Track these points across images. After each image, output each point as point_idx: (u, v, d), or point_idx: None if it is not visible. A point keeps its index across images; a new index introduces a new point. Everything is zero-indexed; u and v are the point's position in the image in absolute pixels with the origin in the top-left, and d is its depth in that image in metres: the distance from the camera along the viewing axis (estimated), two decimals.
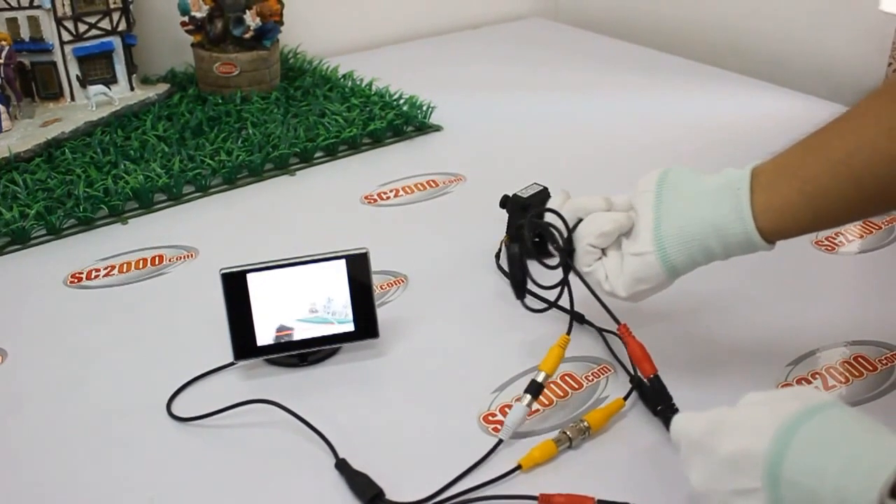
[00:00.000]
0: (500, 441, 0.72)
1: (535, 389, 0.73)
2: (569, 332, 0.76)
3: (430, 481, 0.68)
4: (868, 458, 0.51)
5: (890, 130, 0.65)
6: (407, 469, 0.70)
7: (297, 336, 0.80)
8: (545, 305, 0.85)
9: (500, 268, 0.97)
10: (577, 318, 0.83)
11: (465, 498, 0.67)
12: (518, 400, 0.73)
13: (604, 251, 0.76)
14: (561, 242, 0.76)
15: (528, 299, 0.82)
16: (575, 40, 1.85)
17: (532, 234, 0.79)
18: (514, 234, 0.79)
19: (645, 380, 0.74)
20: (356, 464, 0.69)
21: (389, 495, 0.67)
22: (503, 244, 0.99)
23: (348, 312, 0.81)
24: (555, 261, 0.78)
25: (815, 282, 0.96)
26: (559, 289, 0.78)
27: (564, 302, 0.77)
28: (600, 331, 0.85)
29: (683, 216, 0.71)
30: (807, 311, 0.90)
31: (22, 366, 0.84)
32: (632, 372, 0.78)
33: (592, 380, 0.80)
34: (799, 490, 0.52)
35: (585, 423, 0.72)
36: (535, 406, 0.73)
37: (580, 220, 0.77)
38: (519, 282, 0.80)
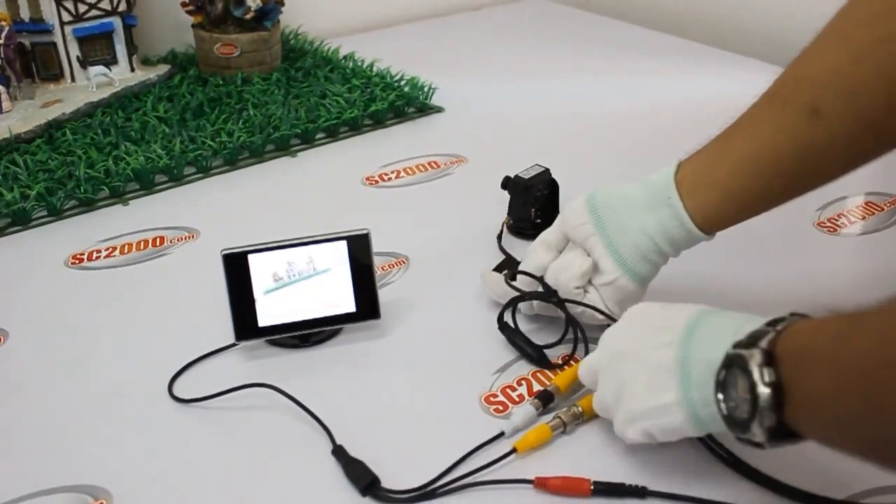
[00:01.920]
0: (502, 433, 0.71)
1: (545, 398, 0.73)
2: (567, 361, 0.80)
3: (429, 465, 0.68)
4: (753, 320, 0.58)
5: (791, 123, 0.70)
6: (406, 452, 0.70)
7: (298, 317, 0.80)
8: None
9: (501, 249, 0.97)
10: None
11: (461, 483, 0.66)
12: (529, 403, 0.73)
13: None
14: (558, 296, 0.80)
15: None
16: (576, 21, 1.84)
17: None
18: (501, 321, 0.83)
19: None
20: (355, 447, 0.69)
21: (387, 480, 0.67)
22: (504, 225, 0.99)
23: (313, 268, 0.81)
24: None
25: (816, 263, 0.96)
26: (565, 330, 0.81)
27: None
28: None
29: (631, 234, 0.76)
30: (808, 293, 0.90)
31: (23, 347, 0.84)
32: None
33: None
34: (705, 341, 0.61)
35: (579, 408, 0.72)
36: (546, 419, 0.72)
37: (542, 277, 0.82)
38: (532, 350, 0.80)
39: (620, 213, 0.77)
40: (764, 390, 0.52)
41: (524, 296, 0.82)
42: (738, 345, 0.56)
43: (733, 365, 0.55)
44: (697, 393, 0.59)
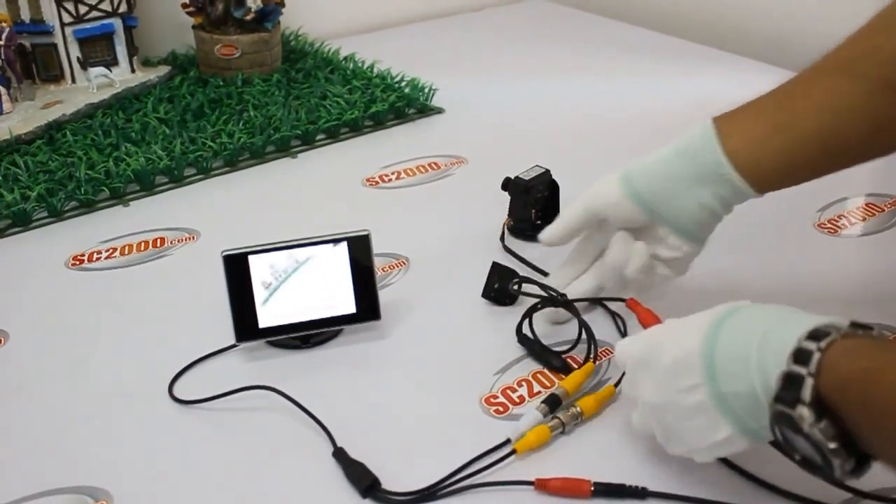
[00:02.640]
0: (508, 440, 0.71)
1: (552, 402, 0.73)
2: (594, 361, 0.79)
3: (429, 467, 0.68)
4: (777, 332, 0.56)
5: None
6: (407, 454, 0.70)
7: (298, 318, 0.80)
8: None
9: (505, 247, 0.97)
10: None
11: (460, 485, 0.66)
12: (536, 409, 0.73)
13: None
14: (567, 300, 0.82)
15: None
16: (576, 22, 1.84)
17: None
18: (520, 333, 0.83)
19: None
20: (355, 449, 0.69)
21: (388, 481, 0.67)
22: (504, 226, 0.99)
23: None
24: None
25: (817, 264, 0.96)
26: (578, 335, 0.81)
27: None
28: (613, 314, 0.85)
29: (689, 210, 0.75)
30: (808, 294, 0.90)
31: (23, 348, 0.84)
32: None
33: (595, 361, 0.80)
34: (731, 374, 0.58)
35: (578, 409, 0.72)
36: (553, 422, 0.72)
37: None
38: (556, 360, 0.80)
39: (670, 194, 0.76)
40: (832, 445, 0.51)
41: (537, 306, 0.82)
42: (779, 399, 0.54)
43: (784, 424, 0.54)
44: (753, 423, 0.58)
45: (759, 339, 0.57)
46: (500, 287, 0.87)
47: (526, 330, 0.82)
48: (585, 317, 0.82)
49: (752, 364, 0.56)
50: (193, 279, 0.93)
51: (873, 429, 0.51)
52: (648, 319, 0.77)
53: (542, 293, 0.83)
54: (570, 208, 0.82)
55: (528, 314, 0.82)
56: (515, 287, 0.86)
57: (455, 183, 1.15)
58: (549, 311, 0.83)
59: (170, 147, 1.18)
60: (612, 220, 0.80)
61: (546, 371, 0.79)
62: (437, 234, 1.02)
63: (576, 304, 0.82)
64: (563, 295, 0.81)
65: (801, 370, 0.52)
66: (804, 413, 0.52)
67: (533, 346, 0.81)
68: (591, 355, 0.79)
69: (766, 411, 0.55)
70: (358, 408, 0.75)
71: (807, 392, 0.52)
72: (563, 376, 0.77)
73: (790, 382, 0.53)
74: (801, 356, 0.53)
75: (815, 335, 0.54)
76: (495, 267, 0.87)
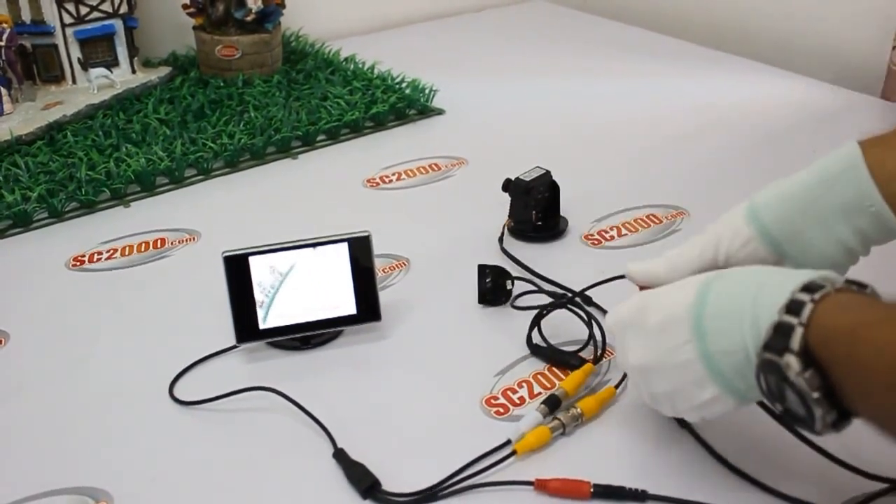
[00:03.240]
0: (508, 441, 0.71)
1: (553, 403, 0.73)
2: (595, 362, 0.79)
3: (430, 468, 0.68)
4: (772, 286, 0.55)
5: None
6: (407, 455, 0.70)
7: (299, 319, 0.81)
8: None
9: (503, 251, 0.97)
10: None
11: (461, 486, 0.66)
12: (536, 410, 0.73)
13: None
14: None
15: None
16: (577, 23, 1.85)
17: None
18: (531, 343, 0.83)
19: None
20: (356, 450, 0.69)
21: (388, 483, 0.67)
22: (505, 227, 0.99)
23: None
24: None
25: None
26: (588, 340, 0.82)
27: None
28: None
29: (819, 247, 0.66)
30: None
31: (24, 349, 0.84)
32: None
33: (596, 362, 0.80)
34: (721, 331, 0.57)
35: (579, 410, 0.72)
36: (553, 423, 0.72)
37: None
38: (573, 359, 0.80)
39: (800, 228, 0.65)
40: (815, 395, 0.51)
41: (545, 309, 0.83)
42: (768, 347, 0.53)
43: (771, 372, 0.54)
44: (740, 383, 0.57)
45: (753, 292, 0.56)
46: (493, 286, 0.87)
47: (536, 339, 0.82)
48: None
49: (746, 318, 0.56)
50: (194, 280, 0.93)
51: (856, 384, 0.51)
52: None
53: (548, 297, 0.84)
54: (685, 252, 0.70)
55: (536, 322, 0.82)
56: (510, 285, 0.87)
57: (456, 184, 1.15)
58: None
59: (170, 148, 1.18)
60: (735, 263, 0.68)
61: (546, 372, 0.79)
62: (438, 235, 1.02)
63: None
64: (567, 295, 0.81)
65: (793, 320, 0.52)
66: (791, 361, 0.52)
67: (546, 353, 0.81)
68: (594, 356, 0.79)
69: (754, 369, 0.55)
70: (358, 409, 0.75)
71: (795, 341, 0.52)
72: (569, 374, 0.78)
73: (780, 331, 0.53)
74: (793, 307, 0.53)
75: (809, 287, 0.54)
76: (482, 270, 0.87)
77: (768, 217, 0.66)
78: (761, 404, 0.65)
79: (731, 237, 0.67)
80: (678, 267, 0.68)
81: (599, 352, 0.80)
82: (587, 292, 0.88)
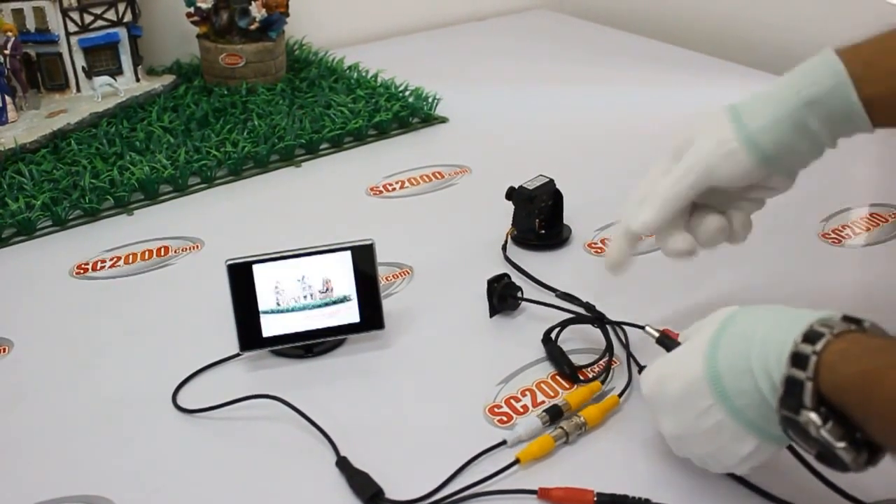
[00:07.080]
0: (504, 441, 0.71)
1: (554, 413, 0.73)
2: (603, 381, 0.78)
3: (433, 476, 0.67)
4: (773, 337, 0.57)
5: None
6: (410, 463, 0.70)
7: (302, 327, 0.81)
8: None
9: (507, 259, 0.96)
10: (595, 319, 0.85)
11: (464, 494, 0.66)
12: (536, 416, 0.73)
13: None
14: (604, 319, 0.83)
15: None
16: (581, 32, 1.85)
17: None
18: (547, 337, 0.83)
19: None
20: (359, 459, 0.69)
21: (391, 491, 0.67)
22: (508, 236, 0.99)
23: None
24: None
25: (821, 275, 0.95)
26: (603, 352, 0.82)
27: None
28: (615, 324, 0.85)
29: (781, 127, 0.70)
30: (812, 304, 0.89)
31: (27, 356, 0.84)
32: (639, 364, 0.78)
33: (599, 372, 0.80)
34: (739, 389, 0.58)
35: (582, 419, 0.72)
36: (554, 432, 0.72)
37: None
38: (568, 367, 0.80)
39: (791, 139, 0.70)
40: (840, 445, 0.52)
41: (572, 320, 0.84)
42: (784, 404, 0.55)
43: (792, 428, 0.55)
44: (773, 429, 0.58)
45: (757, 349, 0.57)
46: (502, 296, 0.87)
47: (555, 334, 0.83)
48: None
49: (756, 374, 0.57)
50: (197, 288, 0.93)
51: (875, 430, 0.51)
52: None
53: (578, 310, 0.85)
54: (673, 185, 0.74)
55: (564, 324, 0.83)
56: (519, 296, 0.87)
57: (459, 192, 1.15)
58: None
59: (174, 156, 1.18)
60: (725, 187, 0.73)
61: (550, 381, 0.79)
62: (441, 243, 1.02)
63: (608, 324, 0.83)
64: (595, 312, 0.82)
65: (800, 374, 0.53)
66: (809, 418, 0.53)
67: (557, 358, 0.81)
68: (603, 376, 0.79)
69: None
70: (361, 417, 0.75)
71: (807, 397, 0.53)
72: (571, 384, 0.78)
73: (791, 387, 0.54)
74: (798, 360, 0.54)
75: (809, 337, 0.54)
76: (491, 284, 0.87)
77: (765, 141, 0.70)
78: (791, 448, 0.65)
79: (730, 169, 0.71)
80: (676, 209, 0.73)
81: (604, 376, 0.79)
82: (617, 319, 0.86)
